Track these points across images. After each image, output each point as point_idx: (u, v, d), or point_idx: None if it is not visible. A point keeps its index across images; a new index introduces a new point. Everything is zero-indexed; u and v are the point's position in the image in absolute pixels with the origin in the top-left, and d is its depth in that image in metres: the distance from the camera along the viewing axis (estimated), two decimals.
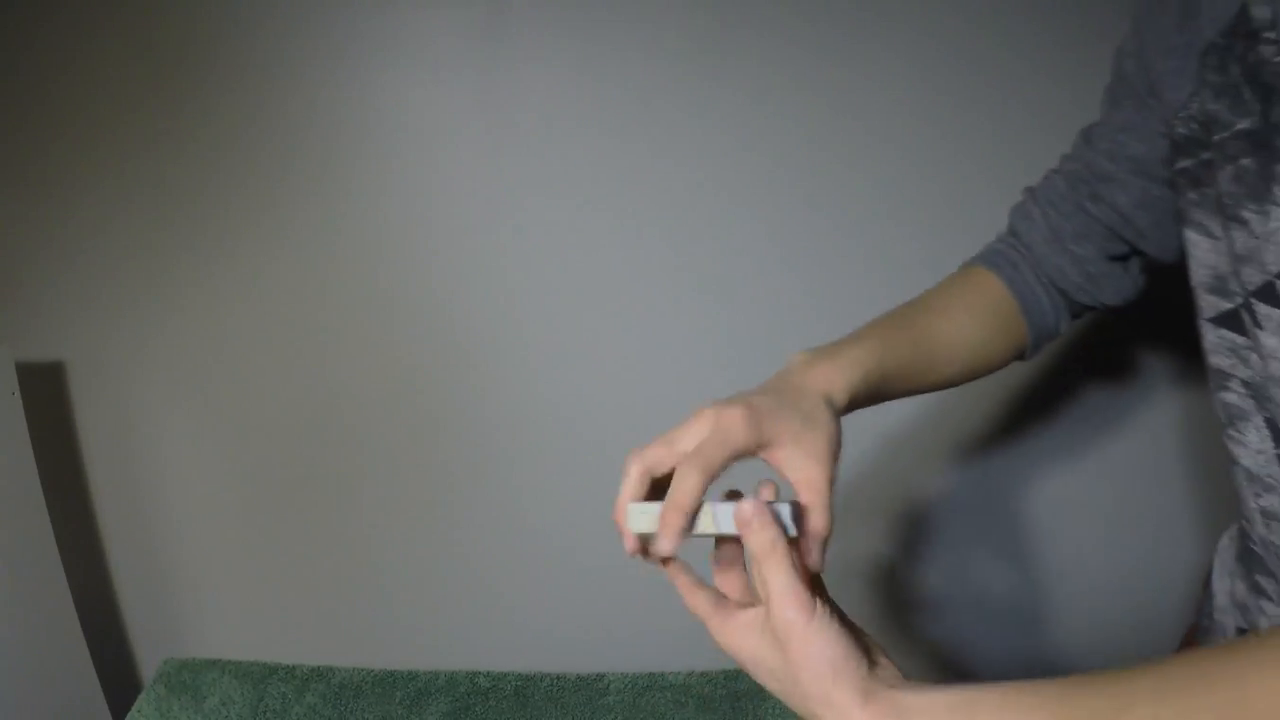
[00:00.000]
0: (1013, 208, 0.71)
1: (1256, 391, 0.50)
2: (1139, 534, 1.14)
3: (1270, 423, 0.50)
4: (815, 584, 0.48)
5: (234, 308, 1.14)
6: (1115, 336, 1.08)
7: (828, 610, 0.42)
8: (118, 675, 1.24)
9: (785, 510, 0.45)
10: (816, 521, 0.47)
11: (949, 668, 1.22)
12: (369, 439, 1.16)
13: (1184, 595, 1.12)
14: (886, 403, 0.60)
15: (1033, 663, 1.19)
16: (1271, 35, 0.45)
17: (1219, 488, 1.11)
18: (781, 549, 0.42)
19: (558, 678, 0.93)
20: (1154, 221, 0.62)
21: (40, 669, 1.06)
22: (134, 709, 0.87)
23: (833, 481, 0.49)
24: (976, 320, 0.66)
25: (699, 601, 0.47)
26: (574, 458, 1.13)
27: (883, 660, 0.44)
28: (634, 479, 0.48)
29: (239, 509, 1.21)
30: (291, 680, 0.90)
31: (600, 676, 0.94)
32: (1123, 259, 0.67)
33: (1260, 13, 0.46)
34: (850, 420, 0.54)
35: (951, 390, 0.67)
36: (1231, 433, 0.53)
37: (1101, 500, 1.13)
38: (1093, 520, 1.14)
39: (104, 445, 1.20)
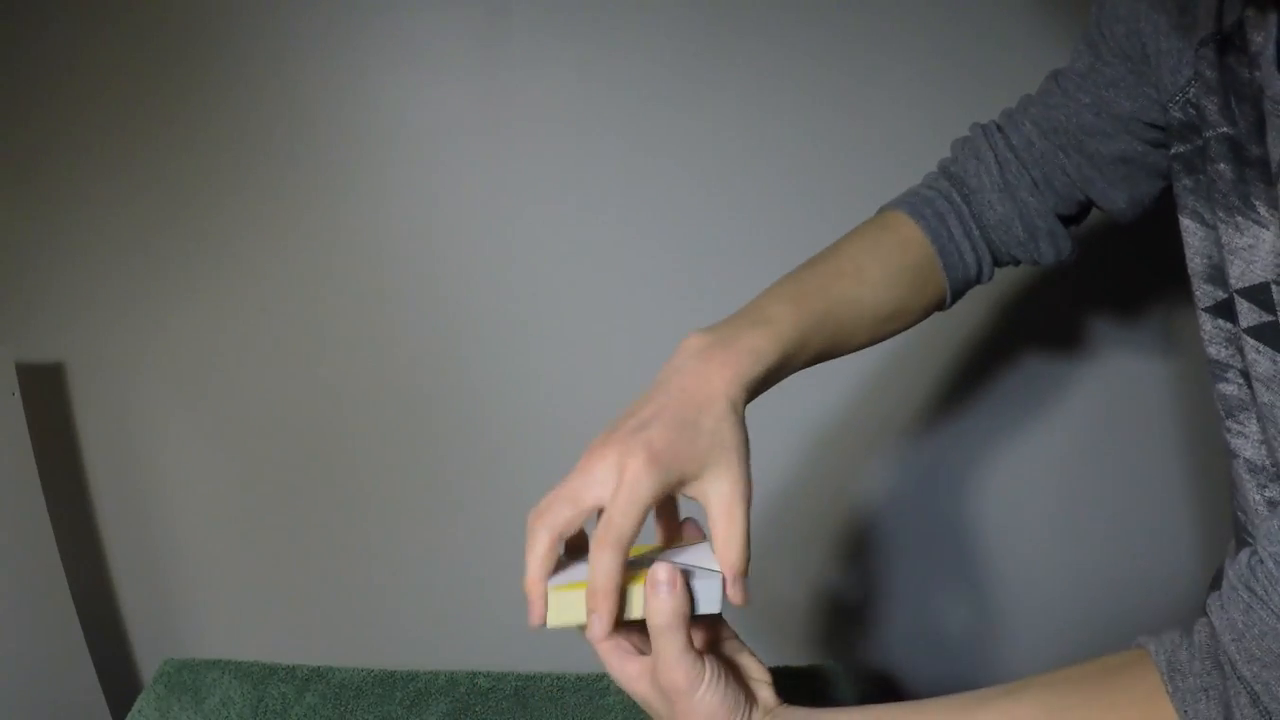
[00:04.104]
0: (958, 142, 0.67)
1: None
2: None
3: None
4: (712, 631, 0.49)
5: (234, 308, 1.14)
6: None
7: (714, 672, 0.44)
8: (118, 675, 1.24)
9: (714, 586, 0.44)
10: (734, 554, 0.45)
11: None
12: (369, 439, 1.16)
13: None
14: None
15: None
16: (1262, 61, 0.44)
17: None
18: (678, 622, 0.43)
19: (558, 678, 0.93)
20: (1126, 176, 0.60)
21: (40, 669, 1.05)
22: (134, 709, 0.86)
23: (749, 501, 0.47)
24: (894, 285, 0.61)
25: (598, 634, 0.46)
26: (574, 458, 1.13)
27: (763, 694, 0.48)
28: (546, 549, 0.45)
29: (239, 509, 1.21)
30: (291, 680, 0.90)
31: (600, 676, 0.94)
32: (1069, 219, 0.65)
33: (1256, 37, 0.45)
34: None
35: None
36: (1231, 424, 0.52)
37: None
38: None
39: (104, 445, 1.20)
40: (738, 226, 1.06)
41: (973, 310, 1.08)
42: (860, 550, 1.18)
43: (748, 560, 0.45)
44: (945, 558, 1.17)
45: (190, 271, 1.13)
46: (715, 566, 0.46)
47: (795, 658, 1.07)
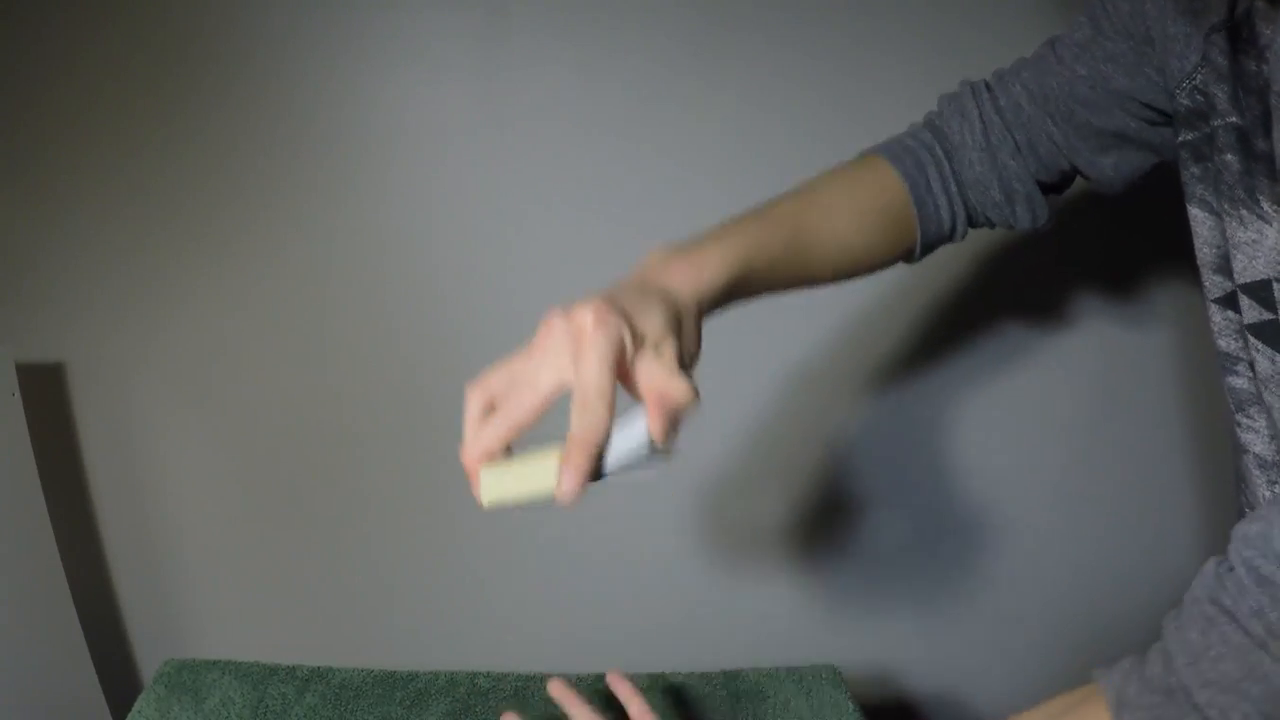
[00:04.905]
0: (945, 97, 0.66)
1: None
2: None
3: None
4: None
5: (234, 308, 1.14)
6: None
7: None
8: (118, 675, 1.24)
9: (637, 433, 0.42)
10: (678, 392, 0.43)
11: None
12: (369, 439, 1.16)
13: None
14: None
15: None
16: (1269, 55, 0.44)
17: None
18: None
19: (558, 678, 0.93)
20: (1116, 148, 0.59)
21: (40, 669, 1.05)
22: (134, 709, 0.86)
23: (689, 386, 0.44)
24: (863, 223, 0.60)
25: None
26: None
27: None
28: (505, 436, 0.44)
29: (239, 509, 1.21)
30: (291, 681, 0.90)
31: (600, 677, 0.94)
32: (1050, 187, 0.64)
33: (1265, 30, 0.44)
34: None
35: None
36: (1241, 419, 0.51)
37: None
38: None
39: (104, 445, 1.20)
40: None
41: (970, 293, 1.08)
42: (856, 548, 1.18)
43: (689, 399, 0.42)
44: (943, 554, 1.17)
45: (190, 272, 1.13)
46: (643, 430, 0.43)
47: (795, 658, 1.07)
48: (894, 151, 0.64)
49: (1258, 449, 0.51)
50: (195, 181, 1.10)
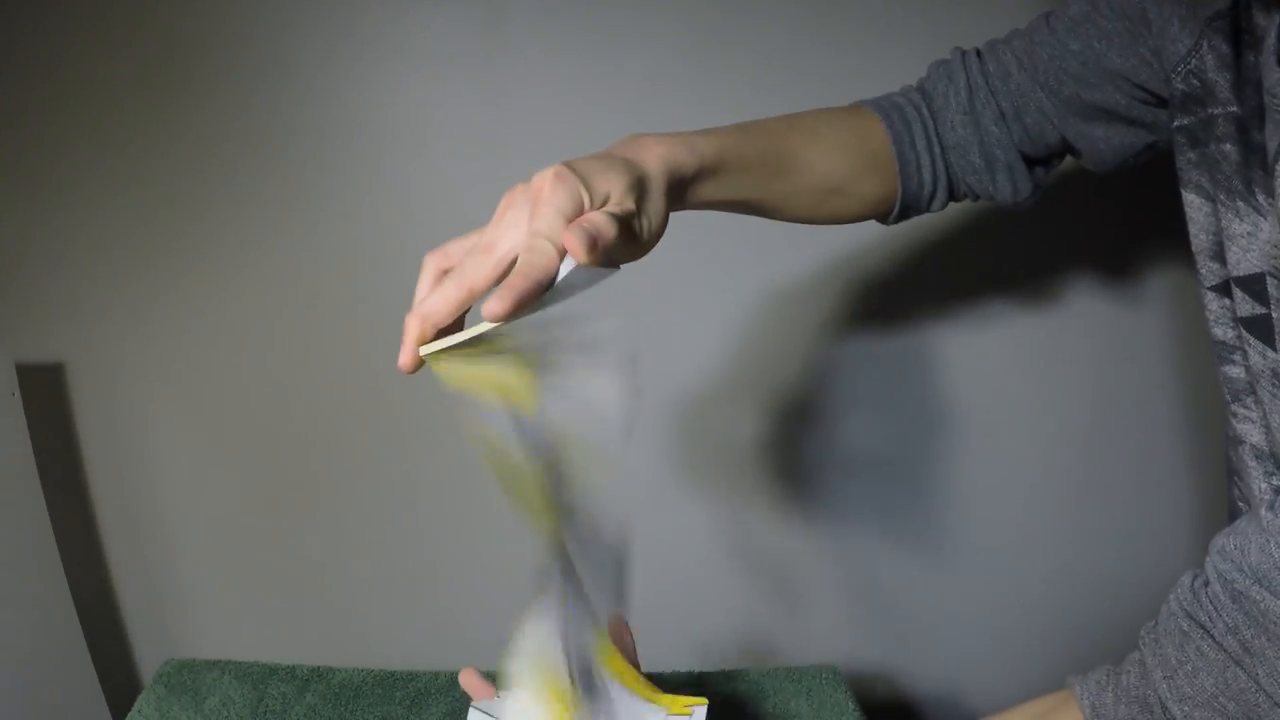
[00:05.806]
0: (935, 63, 0.66)
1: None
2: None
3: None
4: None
5: (234, 309, 1.14)
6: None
7: None
8: (118, 675, 1.24)
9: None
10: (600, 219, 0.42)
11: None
12: (369, 438, 1.16)
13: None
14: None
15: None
16: (1264, 48, 0.44)
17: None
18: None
19: None
20: (1105, 121, 0.59)
21: (40, 669, 1.05)
22: (134, 709, 0.86)
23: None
24: (845, 159, 0.60)
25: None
26: None
27: None
28: (459, 303, 0.42)
29: (239, 509, 1.21)
30: (291, 680, 0.90)
31: None
32: (1035, 161, 0.64)
33: (1260, 21, 0.44)
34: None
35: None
36: (1237, 409, 0.51)
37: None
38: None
39: (104, 445, 1.20)
40: (739, 223, 1.06)
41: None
42: (856, 548, 1.18)
43: (609, 228, 0.42)
44: (943, 554, 1.17)
45: (190, 272, 1.13)
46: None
47: (795, 658, 1.07)
48: (882, 106, 0.64)
49: (1254, 439, 0.50)
50: (194, 182, 1.10)
